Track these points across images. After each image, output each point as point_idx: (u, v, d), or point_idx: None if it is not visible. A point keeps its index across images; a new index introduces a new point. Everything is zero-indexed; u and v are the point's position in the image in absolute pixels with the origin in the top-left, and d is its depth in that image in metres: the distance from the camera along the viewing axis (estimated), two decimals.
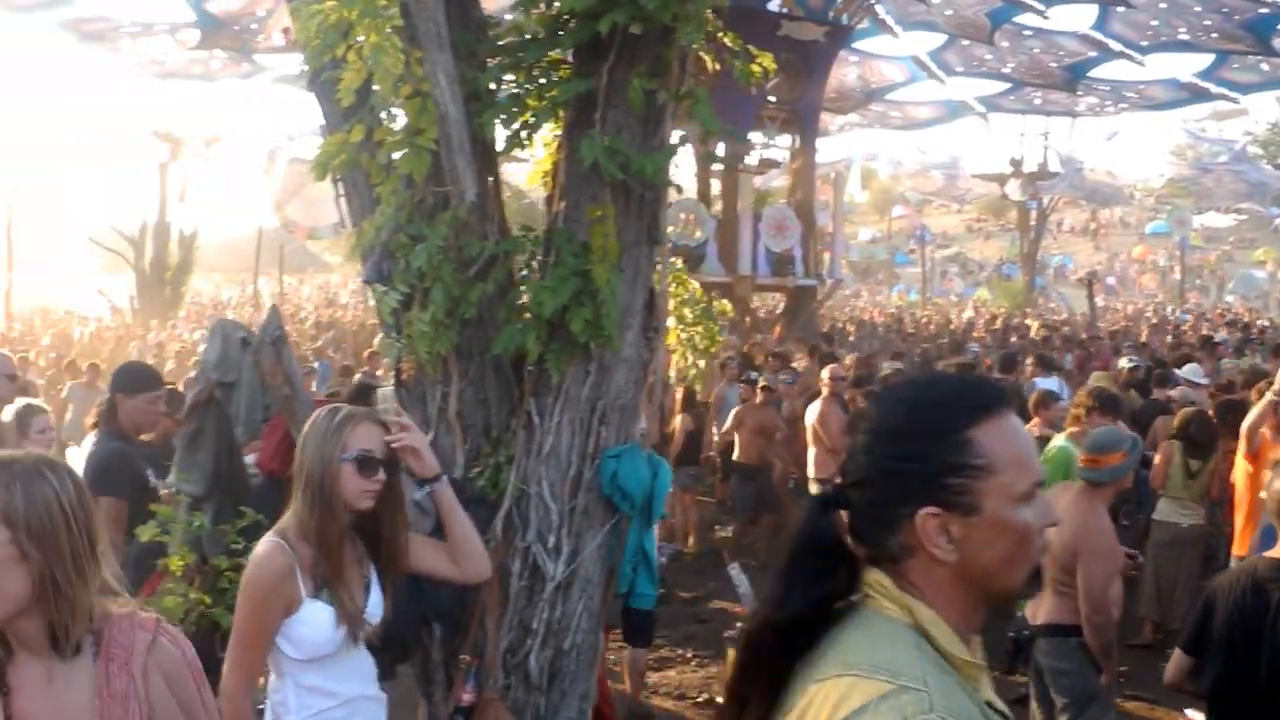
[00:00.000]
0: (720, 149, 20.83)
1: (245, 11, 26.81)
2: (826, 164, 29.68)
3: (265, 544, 3.31)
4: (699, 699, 8.20)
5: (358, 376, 11.83)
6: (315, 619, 3.28)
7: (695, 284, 7.67)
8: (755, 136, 25.40)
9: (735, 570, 8.76)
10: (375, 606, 3.43)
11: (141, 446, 5.98)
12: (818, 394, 11.54)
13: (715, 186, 26.36)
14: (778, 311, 27.91)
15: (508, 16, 4.82)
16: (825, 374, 11.51)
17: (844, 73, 34.33)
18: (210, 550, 4.76)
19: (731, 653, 7.83)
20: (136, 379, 6.02)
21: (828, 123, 35.63)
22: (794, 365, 16.08)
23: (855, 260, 63.87)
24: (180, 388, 8.26)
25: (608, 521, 4.59)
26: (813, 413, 10.99)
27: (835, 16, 25.77)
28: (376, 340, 13.83)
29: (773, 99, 23.98)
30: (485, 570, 3.75)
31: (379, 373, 13.07)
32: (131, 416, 5.84)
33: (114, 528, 5.38)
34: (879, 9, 29.44)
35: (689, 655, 9.09)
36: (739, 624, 8.07)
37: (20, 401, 6.89)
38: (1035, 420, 9.19)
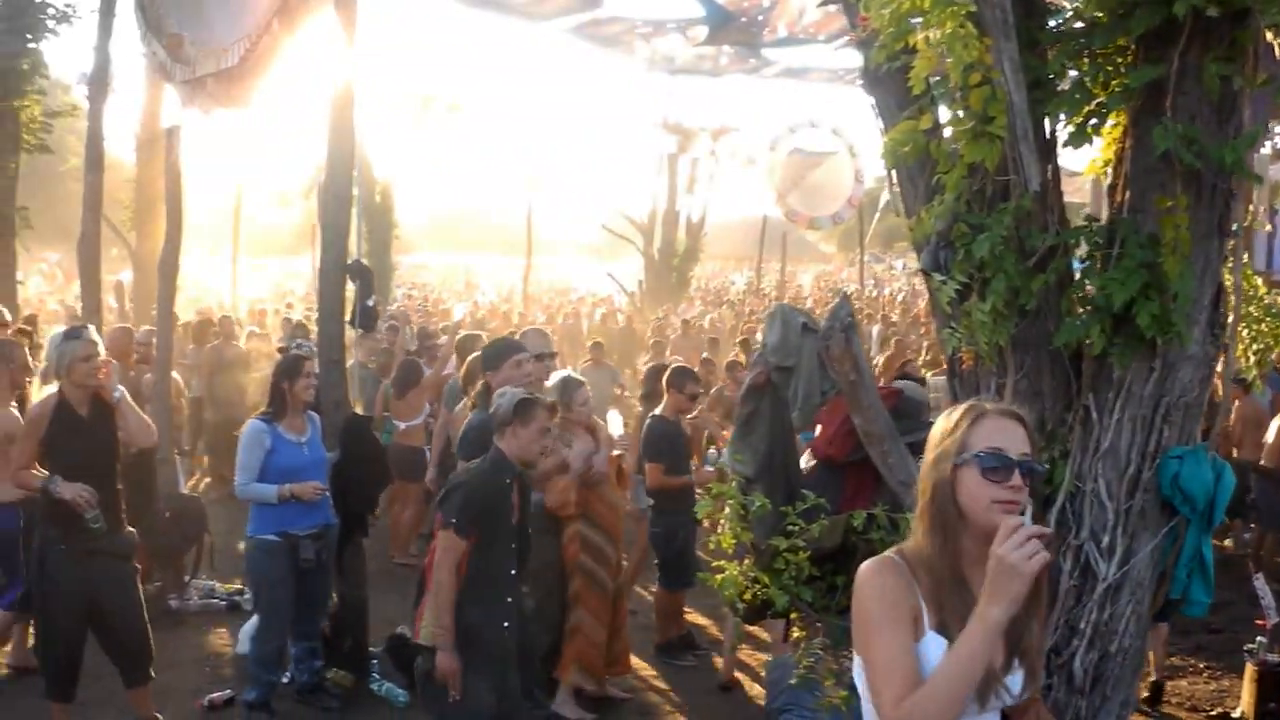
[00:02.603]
0: None
1: (752, 4, 27.53)
2: None
3: (875, 559, 2.69)
4: (1212, 712, 7.80)
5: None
6: (936, 658, 2.54)
7: (1259, 280, 7.22)
8: None
9: (1260, 582, 8.21)
10: (1017, 679, 2.66)
11: None
12: None
13: None
14: None
15: (1066, 3, 4.72)
16: None
17: None
18: (759, 531, 4.95)
19: (1252, 668, 7.38)
20: (484, 359, 6.46)
21: None
22: None
23: None
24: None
25: (1164, 524, 4.40)
26: None
27: None
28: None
29: None
30: None
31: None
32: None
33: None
34: None
35: (1200, 666, 8.77)
36: (1259, 638, 7.70)
37: (560, 374, 7.50)
38: None
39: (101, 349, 6.37)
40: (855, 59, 10.89)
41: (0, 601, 7.57)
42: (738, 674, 8.22)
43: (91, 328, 6.67)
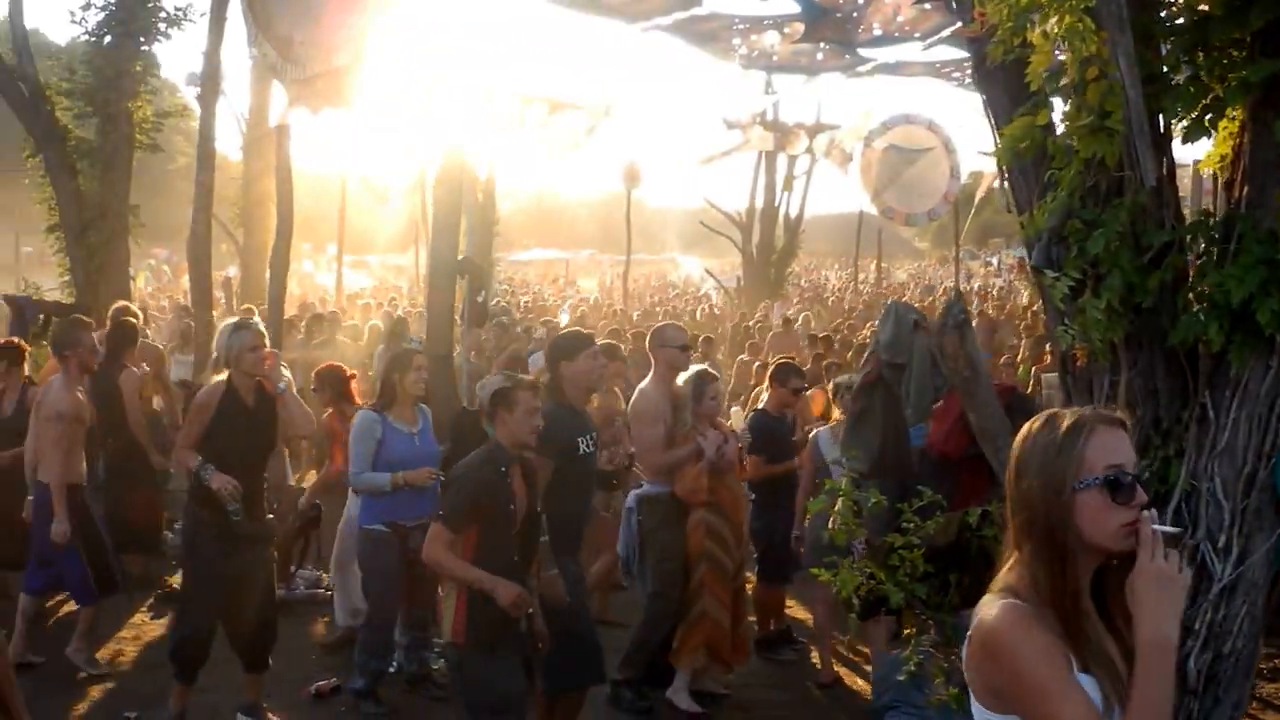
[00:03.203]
0: None
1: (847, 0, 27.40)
2: None
3: (1003, 609, 2.40)
4: None
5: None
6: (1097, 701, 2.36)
7: None
8: None
9: None
10: None
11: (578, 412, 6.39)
12: None
13: None
14: None
15: None
16: None
17: None
18: (873, 528, 4.96)
19: None
20: (556, 349, 6.49)
21: None
22: None
23: None
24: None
25: (1278, 524, 4.35)
26: None
27: None
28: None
29: None
30: None
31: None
32: (575, 379, 6.33)
33: (539, 479, 5.84)
34: None
35: None
36: None
37: (695, 368, 7.61)
38: None
39: (267, 340, 6.64)
40: (951, 53, 10.82)
41: (31, 584, 7.89)
42: (839, 669, 8.21)
43: (258, 319, 6.98)
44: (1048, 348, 14.12)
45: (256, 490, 6.59)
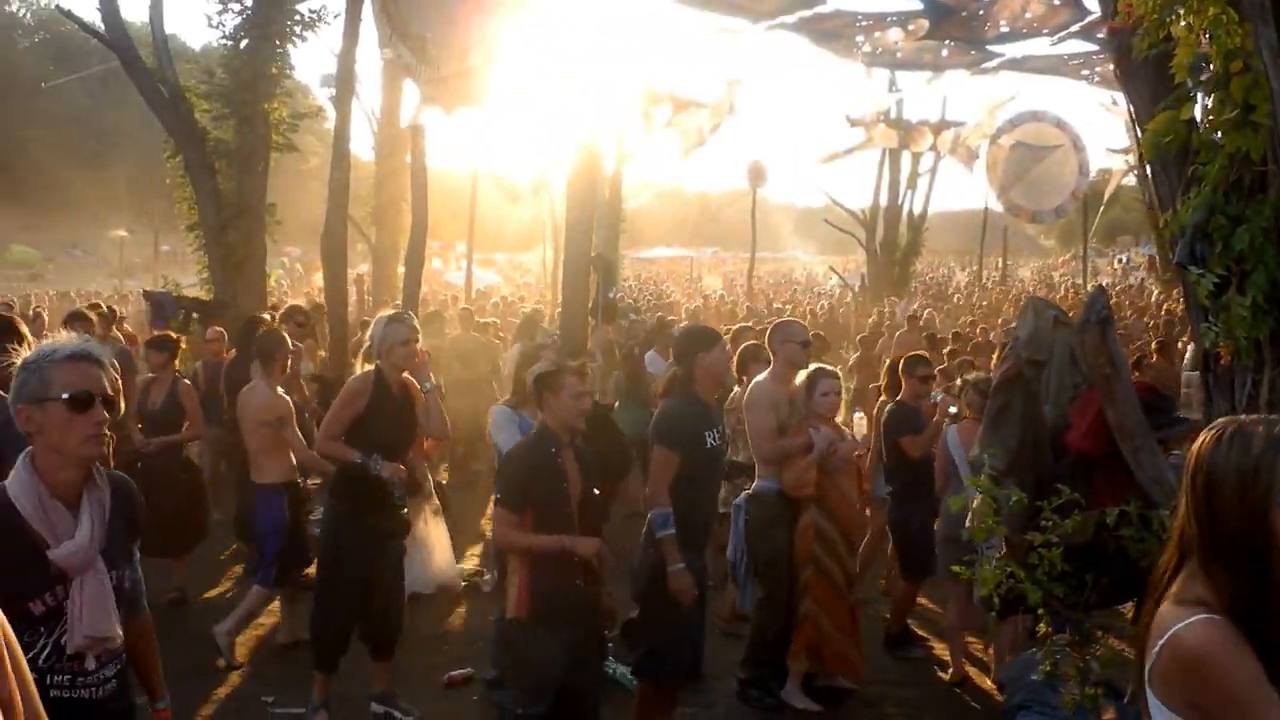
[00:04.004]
0: None
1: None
2: None
3: (1205, 627, 2.37)
4: None
5: None
6: None
7: None
8: None
9: None
10: None
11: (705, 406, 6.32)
12: None
13: None
14: None
15: None
16: None
17: None
18: (1011, 525, 4.92)
19: None
20: (689, 342, 6.43)
21: None
22: None
23: None
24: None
25: None
26: None
27: None
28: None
29: None
30: None
31: None
32: (710, 371, 6.28)
33: (661, 473, 5.95)
34: None
35: None
36: None
37: (813, 366, 7.62)
38: None
39: (420, 336, 6.71)
40: (1078, 48, 10.63)
41: (258, 577, 7.99)
42: (967, 668, 8.14)
43: (411, 314, 7.04)
44: (1180, 345, 13.84)
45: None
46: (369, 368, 6.63)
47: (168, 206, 19.50)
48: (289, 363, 8.25)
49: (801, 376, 7.43)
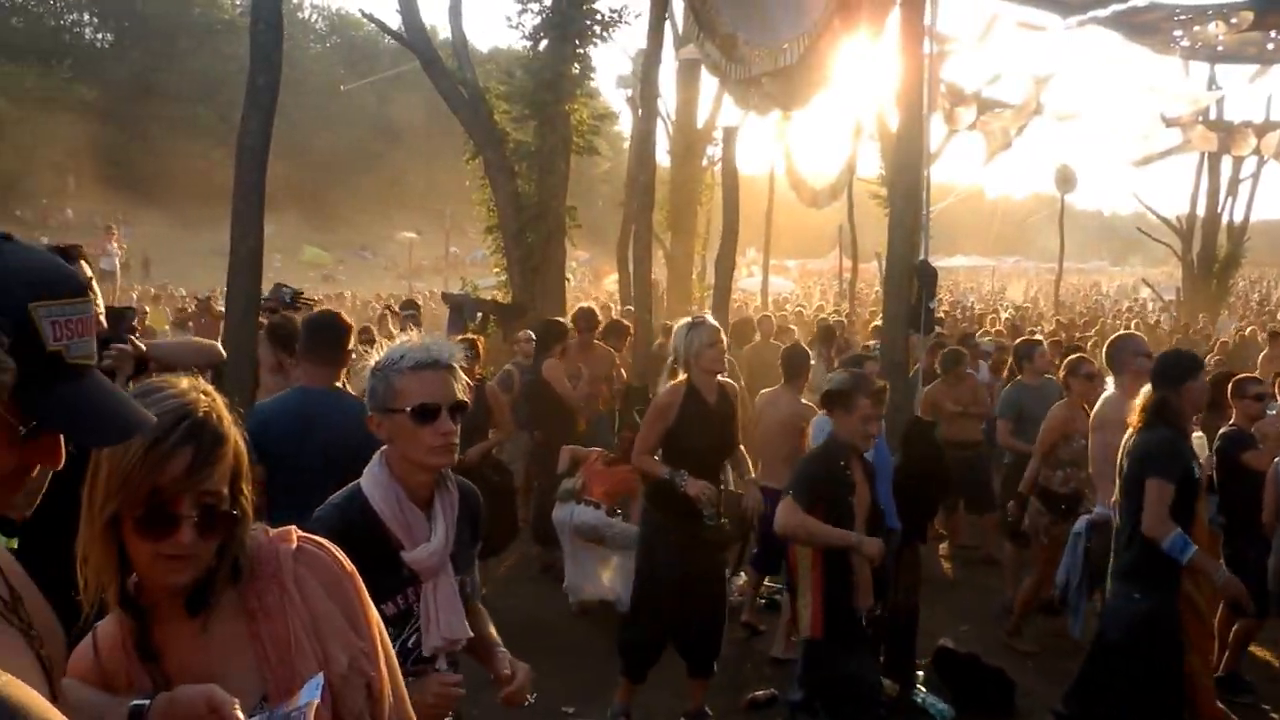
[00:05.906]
0: None
1: None
2: None
3: None
4: None
5: None
6: None
7: None
8: None
9: None
10: None
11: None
12: None
13: None
14: None
15: None
16: None
17: None
18: None
19: None
20: (1177, 367, 6.07)
21: None
22: None
23: None
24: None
25: None
26: None
27: None
28: None
29: None
30: None
31: None
32: (1194, 400, 6.08)
33: (1157, 507, 5.68)
34: None
35: None
36: None
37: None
38: None
39: (724, 337, 6.63)
40: None
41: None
42: None
43: (709, 315, 7.00)
44: None
45: (716, 494, 6.49)
46: (679, 379, 6.54)
47: (457, 209, 19.91)
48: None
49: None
